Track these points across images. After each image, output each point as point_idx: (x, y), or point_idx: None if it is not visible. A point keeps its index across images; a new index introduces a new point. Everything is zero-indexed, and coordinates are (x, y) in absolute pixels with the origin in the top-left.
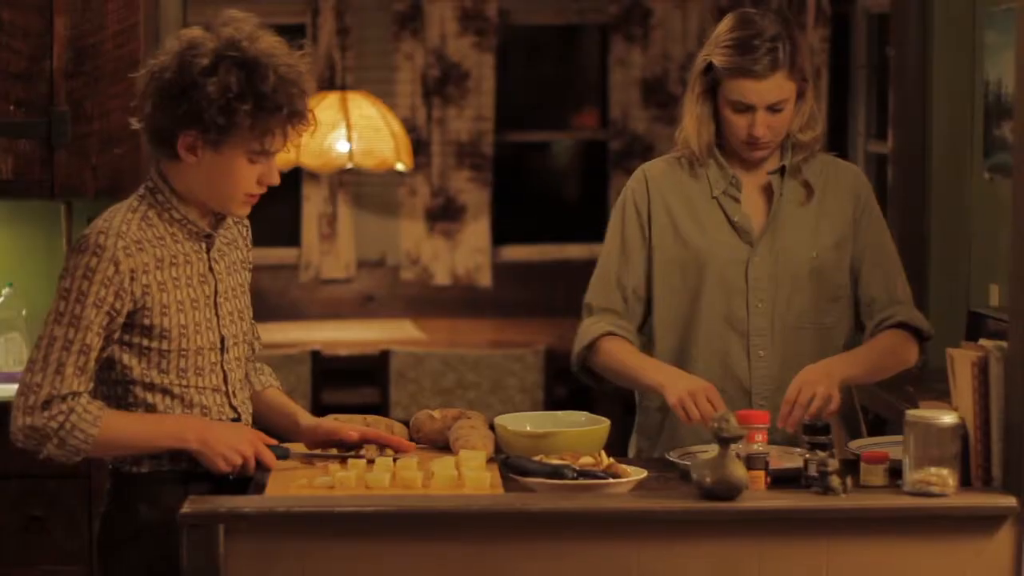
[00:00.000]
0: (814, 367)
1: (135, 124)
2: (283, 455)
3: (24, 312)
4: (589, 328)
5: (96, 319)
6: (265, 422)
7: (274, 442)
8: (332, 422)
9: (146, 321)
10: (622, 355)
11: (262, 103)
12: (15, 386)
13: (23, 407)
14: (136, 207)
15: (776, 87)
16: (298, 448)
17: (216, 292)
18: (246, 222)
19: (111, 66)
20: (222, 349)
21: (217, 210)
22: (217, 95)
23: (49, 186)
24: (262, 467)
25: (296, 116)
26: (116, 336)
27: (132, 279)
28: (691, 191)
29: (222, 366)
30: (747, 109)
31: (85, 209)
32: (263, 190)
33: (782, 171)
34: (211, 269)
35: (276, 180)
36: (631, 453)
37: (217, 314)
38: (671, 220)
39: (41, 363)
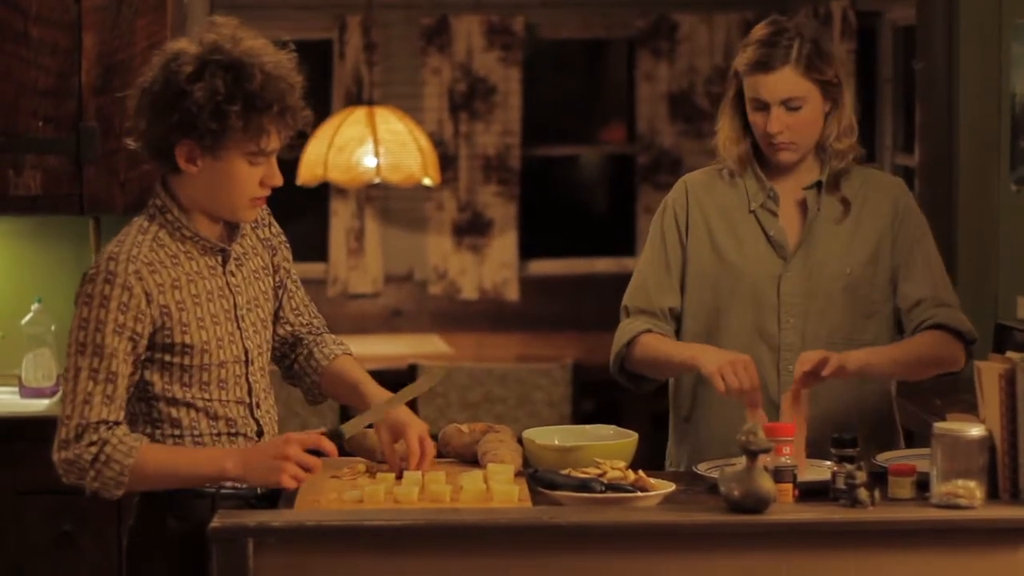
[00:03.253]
0: (832, 353)
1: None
2: (337, 435)
3: (53, 328)
4: (626, 328)
5: (120, 346)
6: (336, 398)
7: (317, 433)
8: (399, 422)
9: (167, 340)
10: (657, 344)
11: (252, 102)
12: (45, 401)
13: (58, 442)
14: (147, 228)
15: (787, 81)
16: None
17: (236, 306)
18: (269, 223)
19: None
20: (247, 361)
21: (226, 218)
22: (205, 100)
23: (78, 202)
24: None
25: (288, 111)
26: (143, 359)
27: (148, 301)
28: (729, 203)
29: (247, 378)
30: (764, 107)
31: (114, 225)
32: (267, 192)
33: (818, 186)
34: (228, 284)
35: (279, 180)
36: (668, 462)
37: (239, 327)
38: (708, 231)
39: (70, 395)
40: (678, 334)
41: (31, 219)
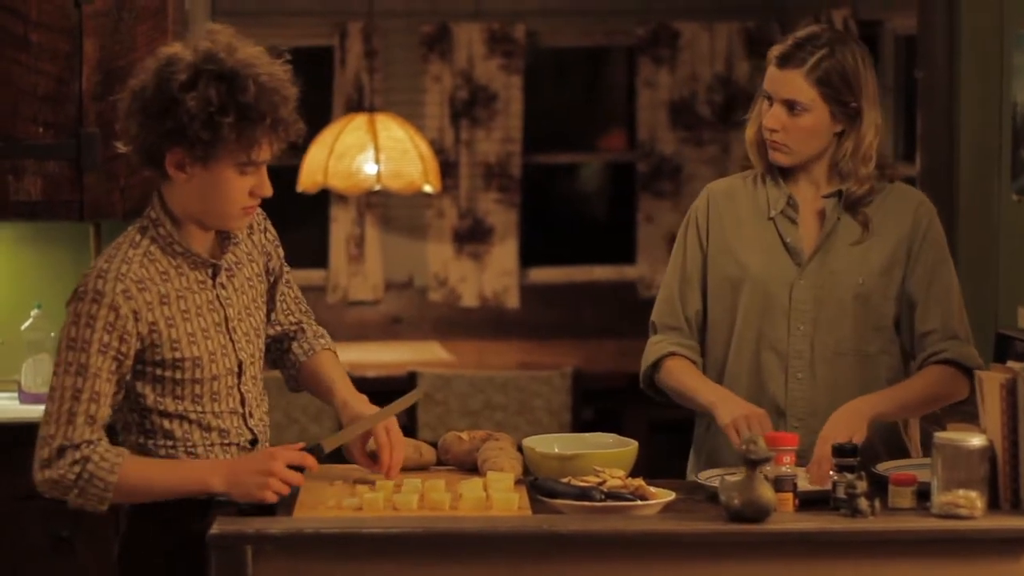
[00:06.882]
0: (842, 409)
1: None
2: (318, 452)
3: (53, 334)
4: (653, 348)
5: (104, 365)
6: (312, 394)
7: (299, 449)
8: (364, 427)
9: (157, 356)
10: (681, 375)
11: (245, 114)
12: (44, 407)
13: (39, 460)
14: (138, 242)
15: (791, 82)
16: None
17: (227, 318)
18: (265, 228)
19: None
20: (239, 373)
21: (216, 227)
22: (199, 110)
23: (78, 208)
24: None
25: (280, 124)
26: (128, 378)
27: (136, 319)
28: (749, 210)
29: (239, 389)
30: (771, 100)
31: (114, 230)
32: (257, 202)
33: (838, 195)
34: (218, 296)
35: (268, 191)
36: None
37: (232, 339)
38: (724, 238)
39: (53, 414)
40: (703, 343)
41: (31, 225)
